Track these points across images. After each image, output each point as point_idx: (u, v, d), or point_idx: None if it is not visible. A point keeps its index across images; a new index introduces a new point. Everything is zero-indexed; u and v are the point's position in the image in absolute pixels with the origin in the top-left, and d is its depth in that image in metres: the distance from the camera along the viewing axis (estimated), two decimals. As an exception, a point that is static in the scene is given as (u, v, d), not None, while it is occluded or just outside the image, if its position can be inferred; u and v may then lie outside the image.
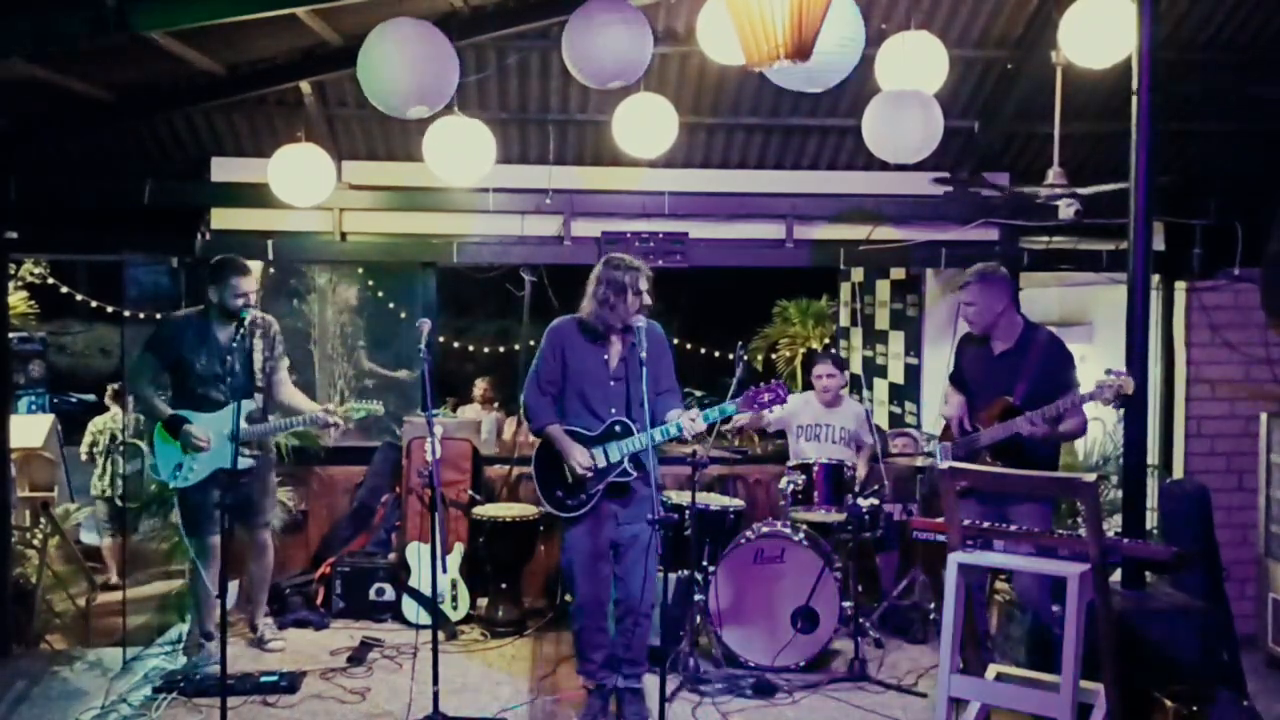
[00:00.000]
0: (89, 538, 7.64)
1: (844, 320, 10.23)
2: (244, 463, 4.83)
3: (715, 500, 5.45)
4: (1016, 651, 4.67)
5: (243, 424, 4.70)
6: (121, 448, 7.16)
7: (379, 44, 4.22)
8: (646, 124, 4.99)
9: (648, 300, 4.28)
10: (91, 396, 12.16)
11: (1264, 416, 5.47)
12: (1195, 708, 3.67)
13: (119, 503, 7.06)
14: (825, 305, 11.01)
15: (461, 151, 5.01)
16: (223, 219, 5.94)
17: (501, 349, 11.48)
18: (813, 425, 5.74)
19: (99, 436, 7.56)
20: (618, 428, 4.27)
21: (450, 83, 4.38)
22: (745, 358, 4.87)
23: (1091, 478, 3.52)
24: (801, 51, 3.01)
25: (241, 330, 4.59)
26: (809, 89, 4.46)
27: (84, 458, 7.68)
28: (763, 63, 3.09)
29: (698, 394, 10.23)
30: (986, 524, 3.93)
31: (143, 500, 6.01)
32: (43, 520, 6.26)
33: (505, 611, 5.59)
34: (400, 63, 4.21)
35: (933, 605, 5.47)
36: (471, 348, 11.86)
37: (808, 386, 5.96)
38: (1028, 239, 6.14)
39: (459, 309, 12.61)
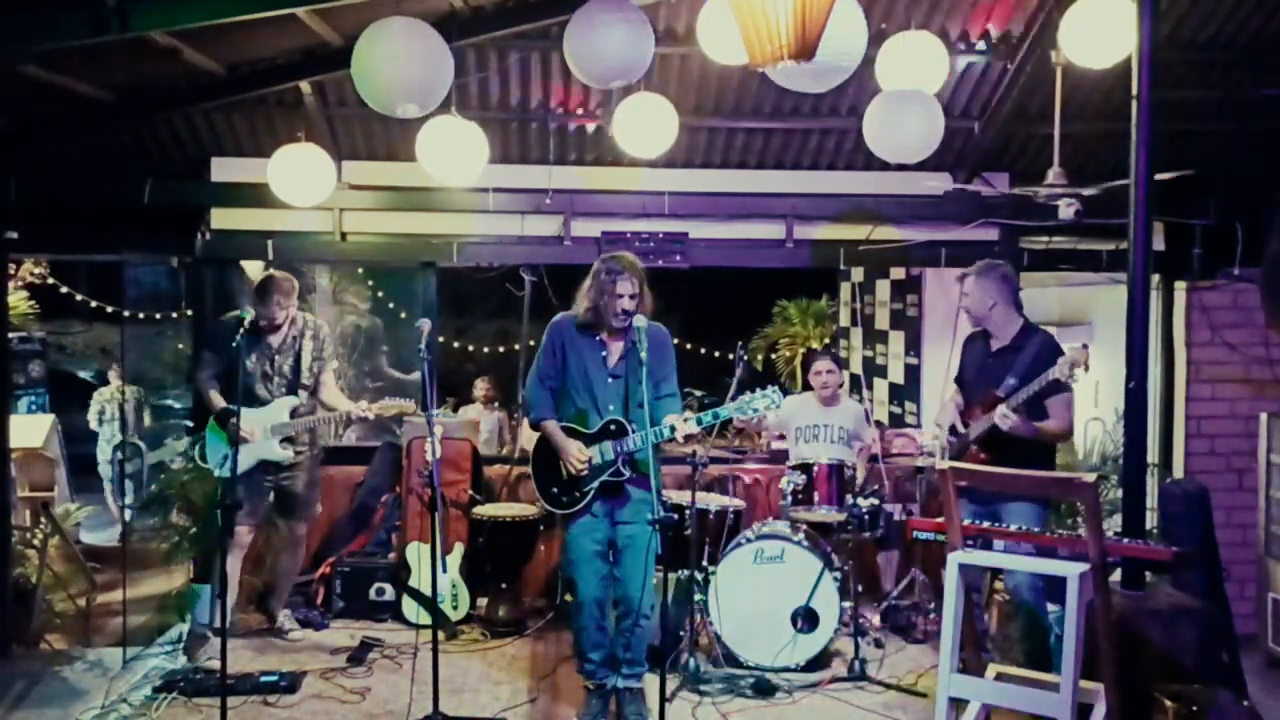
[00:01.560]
0: (89, 537, 7.67)
1: (844, 320, 10.25)
2: (283, 455, 5.15)
3: (715, 500, 5.45)
4: (1016, 651, 4.67)
5: (285, 418, 5.15)
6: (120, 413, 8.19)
7: (370, 42, 4.23)
8: (646, 124, 4.98)
9: (627, 305, 4.20)
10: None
11: (1264, 416, 5.46)
12: (1195, 708, 3.66)
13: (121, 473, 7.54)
14: (825, 305, 11.03)
15: (454, 152, 5.01)
16: (223, 219, 5.95)
17: (501, 349, 11.50)
18: (810, 426, 5.72)
19: (106, 405, 8.45)
20: (613, 426, 4.27)
21: (444, 82, 4.36)
22: (745, 358, 4.88)
23: (1091, 478, 3.52)
24: (805, 52, 3.01)
25: (243, 330, 4.55)
26: (812, 89, 4.45)
27: (93, 424, 8.54)
28: (766, 63, 3.09)
29: (698, 394, 10.24)
30: (984, 524, 3.94)
31: (143, 500, 6.02)
32: (43, 520, 6.26)
33: (505, 611, 5.58)
34: (390, 61, 4.21)
35: (933, 605, 5.47)
36: (471, 348, 11.87)
37: (808, 387, 5.95)
38: (1028, 239, 6.14)
39: (459, 309, 12.61)
